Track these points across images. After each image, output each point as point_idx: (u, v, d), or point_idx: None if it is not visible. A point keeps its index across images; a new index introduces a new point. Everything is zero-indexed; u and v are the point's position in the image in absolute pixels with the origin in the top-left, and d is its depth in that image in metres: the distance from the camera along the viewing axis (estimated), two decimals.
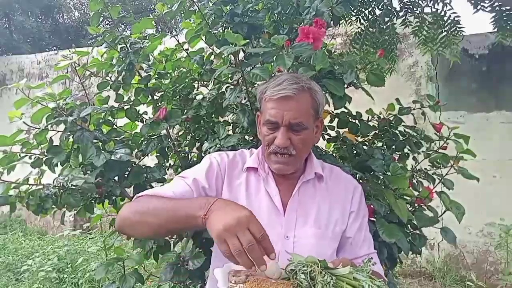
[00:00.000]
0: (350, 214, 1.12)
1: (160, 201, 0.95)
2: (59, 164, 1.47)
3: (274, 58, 1.19)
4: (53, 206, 1.40)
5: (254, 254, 0.76)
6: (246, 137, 1.55)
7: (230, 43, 1.28)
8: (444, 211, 1.47)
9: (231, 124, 1.74)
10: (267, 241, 0.79)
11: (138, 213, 0.96)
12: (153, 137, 1.56)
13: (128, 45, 1.53)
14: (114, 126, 1.61)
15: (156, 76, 1.68)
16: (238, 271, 0.86)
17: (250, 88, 1.47)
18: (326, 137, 1.72)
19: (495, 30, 2.86)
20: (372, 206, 1.37)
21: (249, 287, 0.81)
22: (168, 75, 1.73)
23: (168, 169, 1.73)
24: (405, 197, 1.48)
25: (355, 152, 1.64)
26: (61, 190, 1.37)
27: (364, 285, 0.79)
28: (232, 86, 1.49)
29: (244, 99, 1.49)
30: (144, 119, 1.69)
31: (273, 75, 1.37)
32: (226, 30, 1.54)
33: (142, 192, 1.05)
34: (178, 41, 1.73)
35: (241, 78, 1.44)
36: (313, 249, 1.03)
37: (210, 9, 1.52)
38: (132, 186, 1.55)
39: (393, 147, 1.67)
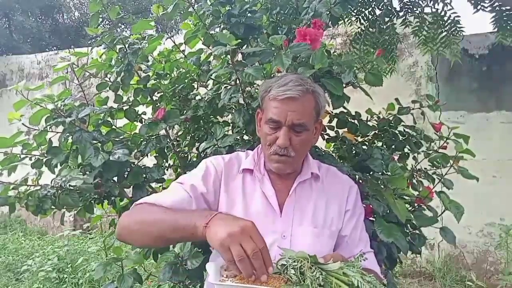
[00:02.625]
0: (346, 212, 1.13)
1: (160, 211, 0.95)
2: (59, 165, 1.47)
3: (273, 58, 1.19)
4: (52, 206, 1.40)
5: (257, 262, 0.76)
6: (245, 136, 1.55)
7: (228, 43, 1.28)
8: (443, 211, 1.47)
9: (230, 125, 1.74)
10: (267, 253, 0.80)
11: (138, 222, 0.96)
12: (152, 137, 1.56)
13: (126, 46, 1.53)
14: (113, 127, 1.61)
15: (155, 76, 1.68)
16: None
17: (248, 88, 1.47)
18: (326, 137, 1.72)
19: (495, 30, 2.85)
20: (370, 206, 1.37)
21: (240, 281, 0.81)
22: (167, 75, 1.73)
23: (167, 169, 1.73)
24: (404, 197, 1.48)
25: (354, 152, 1.64)
26: (59, 191, 1.37)
27: (353, 281, 0.79)
28: (229, 87, 1.49)
29: (242, 99, 1.49)
30: (143, 120, 1.70)
31: (272, 75, 1.37)
32: (223, 30, 1.55)
33: (141, 199, 1.05)
34: (174, 42, 1.73)
35: (237, 79, 1.44)
36: (310, 248, 1.03)
37: (208, 9, 1.52)
38: (131, 187, 1.55)
39: (393, 147, 1.67)
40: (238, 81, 1.40)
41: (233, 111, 1.52)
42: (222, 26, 1.56)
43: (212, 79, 1.56)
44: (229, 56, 1.34)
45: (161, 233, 0.91)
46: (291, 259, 0.83)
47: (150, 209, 0.97)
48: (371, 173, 1.54)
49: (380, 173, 1.48)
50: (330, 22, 1.39)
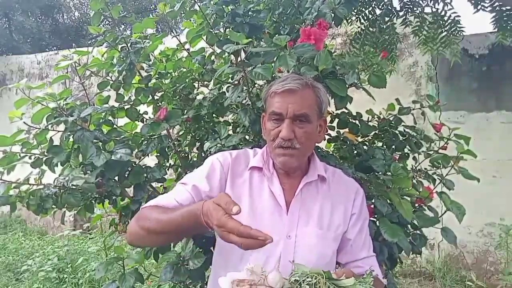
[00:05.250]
0: (352, 216, 1.12)
1: (165, 214, 0.96)
2: (59, 164, 1.47)
3: (276, 58, 1.19)
4: (53, 206, 1.40)
5: (245, 234, 0.76)
6: (247, 136, 1.56)
7: (231, 42, 1.28)
8: (445, 212, 1.47)
9: (231, 124, 1.74)
10: (232, 202, 0.80)
11: (145, 228, 0.98)
12: (153, 137, 1.56)
13: (128, 45, 1.53)
14: (115, 126, 1.61)
15: (156, 76, 1.68)
16: (242, 280, 0.86)
17: (251, 88, 1.47)
18: (327, 137, 1.72)
19: (495, 30, 2.86)
20: (372, 206, 1.37)
21: None
22: (169, 75, 1.73)
23: (168, 169, 1.73)
24: (405, 197, 1.48)
25: (355, 152, 1.64)
26: (61, 190, 1.37)
27: None
28: (233, 86, 1.49)
29: (245, 99, 1.50)
30: (145, 119, 1.69)
31: (273, 75, 1.37)
32: (227, 30, 1.55)
33: (148, 203, 1.07)
34: (179, 41, 1.73)
35: (242, 78, 1.44)
36: (314, 249, 1.04)
37: (212, 9, 1.52)
38: (132, 186, 1.55)
39: (393, 147, 1.67)
40: (242, 80, 1.40)
41: (238, 111, 1.52)
42: (226, 26, 1.55)
43: (216, 78, 1.56)
44: (232, 56, 1.34)
45: (171, 236, 0.99)
46: (304, 275, 0.83)
47: (156, 214, 0.98)
48: (372, 173, 1.54)
49: (381, 173, 1.48)
50: (333, 23, 1.39)
